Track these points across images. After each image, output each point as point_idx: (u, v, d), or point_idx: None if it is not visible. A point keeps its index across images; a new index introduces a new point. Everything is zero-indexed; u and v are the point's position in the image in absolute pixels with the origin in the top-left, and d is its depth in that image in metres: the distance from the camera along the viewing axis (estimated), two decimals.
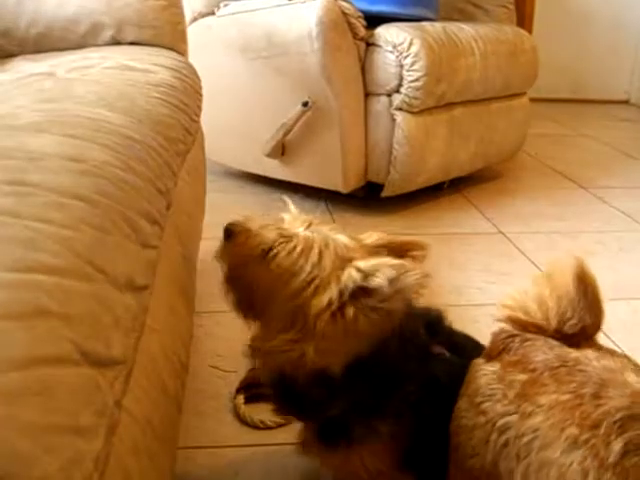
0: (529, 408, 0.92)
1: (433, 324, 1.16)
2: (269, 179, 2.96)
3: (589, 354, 0.94)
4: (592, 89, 5.58)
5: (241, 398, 1.54)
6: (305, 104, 2.64)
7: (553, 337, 1.00)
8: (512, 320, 1.05)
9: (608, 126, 4.84)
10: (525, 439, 0.91)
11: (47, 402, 0.55)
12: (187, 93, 1.51)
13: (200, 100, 1.67)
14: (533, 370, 0.95)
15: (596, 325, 1.00)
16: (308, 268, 1.00)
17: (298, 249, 1.01)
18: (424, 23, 2.81)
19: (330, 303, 0.98)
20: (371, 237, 1.09)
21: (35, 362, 0.56)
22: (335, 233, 1.07)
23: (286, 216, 1.11)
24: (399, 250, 1.08)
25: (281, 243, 1.03)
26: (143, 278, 0.84)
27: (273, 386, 1.10)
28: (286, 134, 2.73)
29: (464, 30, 2.87)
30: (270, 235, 1.05)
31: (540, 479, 0.87)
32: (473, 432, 1.02)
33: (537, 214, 2.90)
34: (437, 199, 3.00)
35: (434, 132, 2.78)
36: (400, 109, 2.65)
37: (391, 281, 0.95)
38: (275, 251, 1.02)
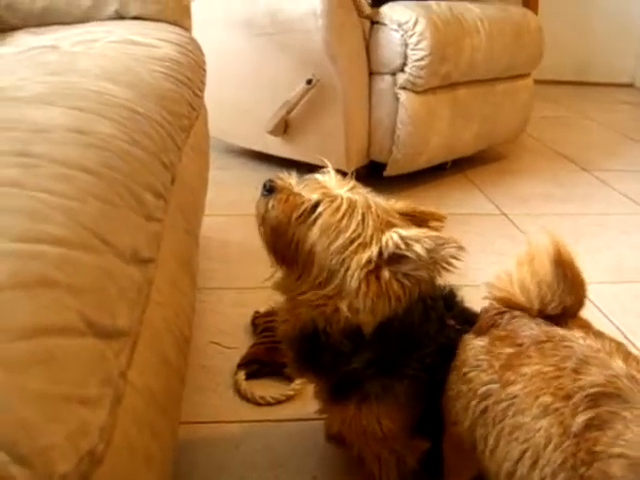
0: (512, 377, 0.94)
1: (447, 298, 1.21)
2: (271, 156, 2.95)
3: (576, 333, 0.96)
4: (597, 72, 5.56)
5: (242, 374, 1.55)
6: (309, 82, 2.63)
7: (537, 317, 1.03)
8: (499, 299, 1.09)
9: (611, 109, 4.82)
10: (503, 405, 0.94)
11: (53, 371, 0.55)
12: (191, 68, 1.51)
13: (204, 75, 1.66)
14: (520, 344, 0.98)
15: (578, 304, 1.03)
16: (353, 227, 1.03)
17: (343, 209, 1.04)
18: (430, 2, 2.79)
19: (369, 261, 1.01)
20: (397, 204, 1.12)
21: (41, 332, 0.56)
22: (373, 196, 1.10)
23: (320, 177, 1.12)
24: (420, 219, 1.11)
25: (326, 202, 1.05)
26: (148, 251, 0.84)
27: (296, 341, 1.13)
28: (289, 112, 2.72)
29: (470, 9, 2.86)
30: (314, 194, 1.07)
31: (510, 442, 0.90)
32: (457, 400, 1.05)
33: (539, 196, 2.90)
34: (440, 179, 2.99)
35: (438, 112, 2.77)
36: (404, 88, 2.64)
37: (429, 251, 0.99)
38: (320, 210, 1.05)
